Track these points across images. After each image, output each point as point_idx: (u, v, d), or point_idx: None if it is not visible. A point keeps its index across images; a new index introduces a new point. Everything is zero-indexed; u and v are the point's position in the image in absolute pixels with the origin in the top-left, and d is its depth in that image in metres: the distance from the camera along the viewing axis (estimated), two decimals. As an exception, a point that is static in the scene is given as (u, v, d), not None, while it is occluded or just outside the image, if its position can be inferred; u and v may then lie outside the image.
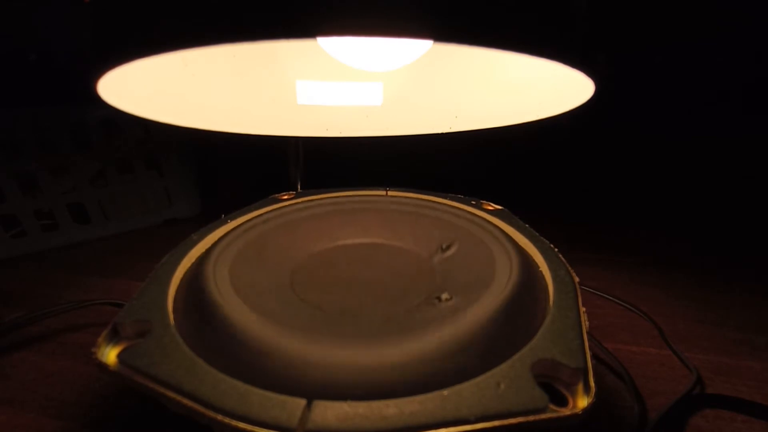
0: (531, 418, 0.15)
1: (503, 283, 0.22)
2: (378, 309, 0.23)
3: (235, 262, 0.25)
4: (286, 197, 0.34)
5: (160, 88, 0.30)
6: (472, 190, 0.34)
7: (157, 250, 0.26)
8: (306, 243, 0.29)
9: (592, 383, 0.16)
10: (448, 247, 0.28)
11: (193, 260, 0.25)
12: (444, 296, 0.23)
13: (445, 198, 0.33)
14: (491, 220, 0.30)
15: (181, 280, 0.23)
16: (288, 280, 0.26)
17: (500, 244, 0.26)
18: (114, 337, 0.19)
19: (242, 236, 0.27)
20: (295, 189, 0.39)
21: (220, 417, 0.15)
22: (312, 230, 0.30)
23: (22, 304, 0.38)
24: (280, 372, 0.17)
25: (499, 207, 0.32)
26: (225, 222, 0.29)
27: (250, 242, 0.27)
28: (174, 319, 0.20)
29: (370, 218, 0.31)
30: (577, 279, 0.22)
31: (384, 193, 0.34)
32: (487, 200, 0.32)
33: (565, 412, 0.15)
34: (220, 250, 0.25)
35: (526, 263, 0.24)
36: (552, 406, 0.15)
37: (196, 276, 0.23)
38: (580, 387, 0.16)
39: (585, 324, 0.19)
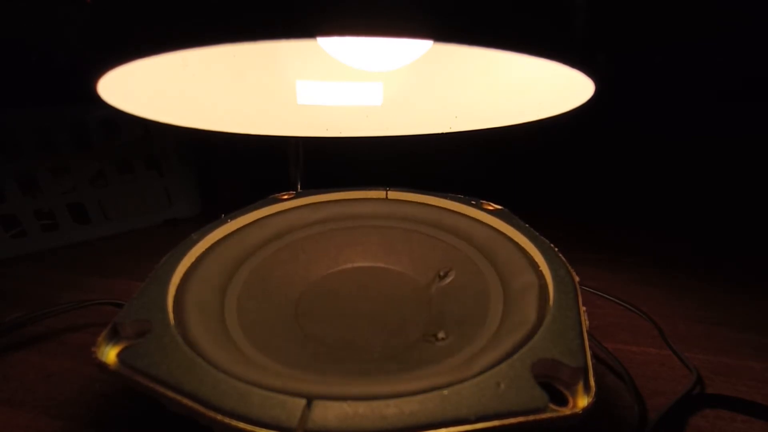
0: (531, 417, 0.15)
1: (494, 324, 0.22)
2: (377, 342, 0.24)
3: (241, 297, 0.25)
4: (286, 197, 0.34)
5: (160, 88, 0.30)
6: (472, 190, 0.34)
7: (157, 250, 0.26)
8: (307, 269, 0.30)
9: (592, 383, 0.16)
10: (446, 275, 0.28)
11: (193, 260, 0.25)
12: (440, 335, 0.24)
13: (445, 198, 0.33)
14: (491, 220, 0.30)
15: (181, 280, 0.23)
16: (293, 312, 0.26)
17: (495, 272, 0.26)
18: (114, 337, 0.19)
19: (246, 265, 0.28)
20: (295, 189, 0.39)
21: (220, 417, 0.15)
22: (313, 253, 0.30)
23: (22, 304, 0.38)
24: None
25: (499, 207, 0.32)
26: (225, 222, 0.29)
27: (254, 271, 0.27)
28: (174, 319, 0.20)
29: (370, 238, 0.31)
30: (577, 279, 0.22)
31: (384, 193, 0.34)
32: (487, 200, 0.32)
33: (565, 411, 0.15)
34: (227, 278, 0.26)
35: (519, 292, 0.24)
36: (552, 406, 0.15)
37: (206, 303, 0.23)
38: (580, 387, 0.16)
39: (585, 324, 0.19)
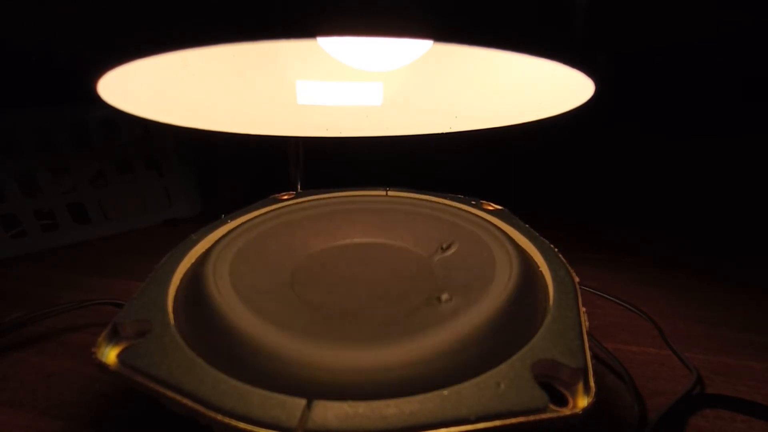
0: (531, 417, 0.15)
1: (503, 283, 0.22)
2: (378, 310, 0.23)
3: (234, 262, 0.25)
4: (286, 197, 0.34)
5: (160, 88, 0.30)
6: (472, 190, 0.34)
7: (157, 250, 0.26)
8: (306, 243, 0.29)
9: (592, 383, 0.16)
10: (448, 247, 0.28)
11: (193, 260, 0.25)
12: (444, 297, 0.23)
13: (445, 198, 0.33)
14: (491, 220, 0.30)
15: (181, 280, 0.23)
16: (288, 279, 0.25)
17: (500, 243, 0.26)
18: (114, 337, 0.19)
19: (242, 236, 0.27)
20: (295, 189, 0.39)
21: (220, 417, 0.15)
22: (312, 230, 0.30)
23: (22, 304, 0.38)
24: (280, 373, 0.17)
25: (499, 207, 0.32)
26: (225, 222, 0.29)
27: (250, 242, 0.27)
28: (174, 319, 0.20)
29: (370, 218, 0.31)
30: (577, 279, 0.22)
31: (384, 193, 0.34)
32: (487, 200, 0.32)
33: (565, 412, 0.15)
34: (220, 250, 0.25)
35: (526, 263, 0.24)
36: (552, 406, 0.15)
37: (196, 276, 0.23)
38: (580, 387, 0.16)
39: (585, 324, 0.19)
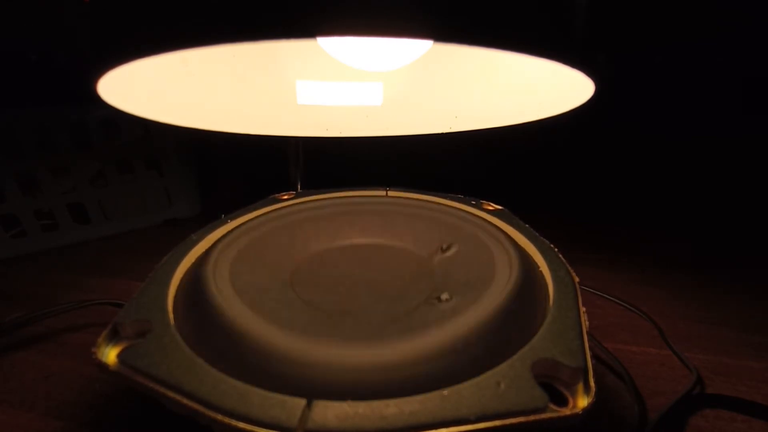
0: (531, 417, 0.15)
1: (503, 283, 0.22)
2: (378, 309, 0.23)
3: (235, 262, 0.25)
4: (286, 197, 0.34)
5: (160, 88, 0.30)
6: (472, 190, 0.34)
7: (157, 250, 0.26)
8: (306, 243, 0.29)
9: (592, 383, 0.16)
10: (448, 248, 0.28)
11: (193, 260, 0.25)
12: (444, 296, 0.23)
13: (445, 198, 0.33)
14: (491, 220, 0.30)
15: (181, 280, 0.23)
16: (288, 279, 0.26)
17: (500, 244, 0.26)
18: (114, 337, 0.19)
19: (242, 237, 0.27)
20: (295, 189, 0.39)
21: (220, 417, 0.15)
22: (312, 231, 0.30)
23: (22, 304, 0.38)
24: (280, 371, 0.17)
25: (499, 207, 0.32)
26: (225, 222, 0.29)
27: (250, 243, 0.27)
28: (174, 319, 0.20)
29: (370, 219, 0.31)
30: (577, 279, 0.22)
31: (384, 193, 0.34)
32: (487, 200, 0.32)
33: (565, 412, 0.15)
34: (220, 250, 0.25)
35: (526, 263, 0.24)
36: (552, 406, 0.15)
37: (196, 276, 0.23)
38: (580, 387, 0.16)
39: (585, 324, 0.19)
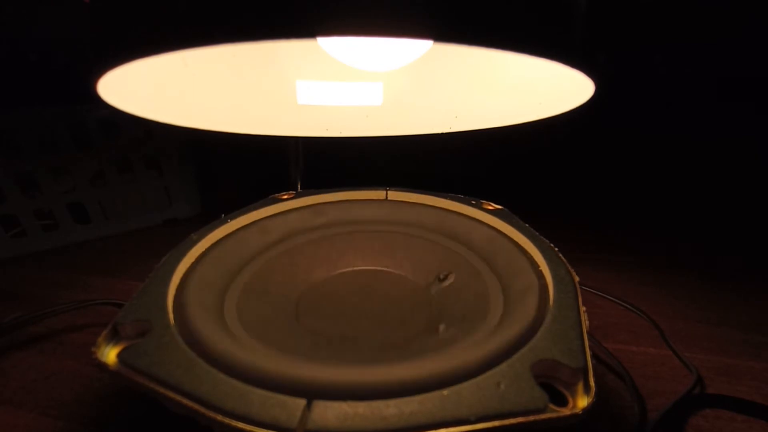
0: (531, 418, 0.15)
1: (495, 320, 0.22)
2: (379, 337, 0.24)
3: (241, 297, 0.25)
4: (286, 197, 0.34)
5: (160, 88, 0.30)
6: (472, 190, 0.34)
7: (157, 250, 0.26)
8: (308, 272, 0.30)
9: (592, 383, 0.16)
10: (446, 278, 0.28)
11: (193, 260, 0.25)
12: (441, 328, 0.24)
13: (445, 198, 0.33)
14: (491, 220, 0.30)
15: (181, 280, 0.23)
16: (293, 310, 0.26)
17: (494, 275, 0.26)
18: (114, 337, 0.19)
19: (247, 268, 0.28)
20: (295, 189, 0.39)
21: (220, 417, 0.15)
22: (314, 257, 0.30)
23: (22, 304, 0.38)
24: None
25: (499, 207, 0.32)
26: (225, 222, 0.29)
27: (255, 275, 0.27)
28: (174, 319, 0.20)
29: (371, 243, 0.32)
30: (577, 279, 0.22)
31: (384, 193, 0.34)
32: (487, 200, 0.32)
33: (565, 412, 0.15)
34: (224, 278, 0.26)
35: (518, 292, 0.24)
36: (552, 406, 0.15)
37: (206, 303, 0.23)
38: (580, 387, 0.16)
39: (585, 324, 0.19)
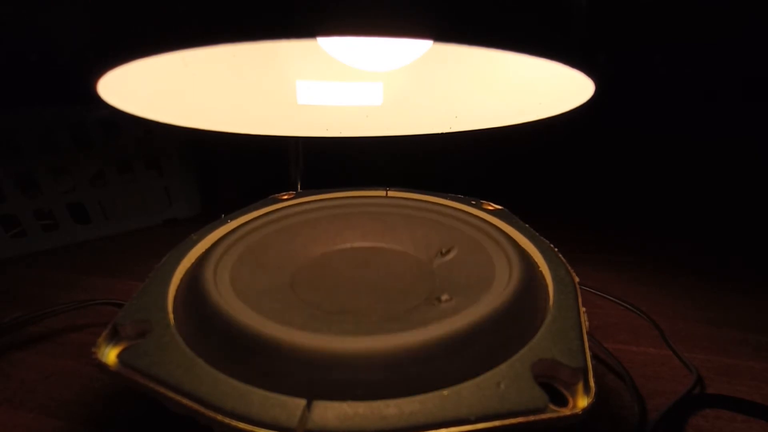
0: (531, 418, 0.15)
1: (503, 285, 0.22)
2: (378, 308, 0.23)
3: (235, 266, 0.25)
4: (286, 197, 0.34)
5: (160, 88, 0.30)
6: (472, 190, 0.34)
7: (157, 250, 0.26)
8: (306, 247, 0.29)
9: (592, 383, 0.16)
10: (448, 252, 0.28)
11: (193, 260, 0.25)
12: (444, 297, 0.23)
13: (445, 198, 0.33)
14: (491, 220, 0.30)
15: (181, 280, 0.23)
16: (288, 281, 0.26)
17: (500, 247, 0.26)
18: (114, 337, 0.19)
19: (242, 240, 0.27)
20: (295, 189, 0.39)
21: (220, 417, 0.15)
22: (312, 234, 0.30)
23: (22, 304, 0.38)
24: (279, 365, 0.17)
25: (499, 207, 0.32)
26: (225, 222, 0.29)
27: (250, 246, 0.27)
28: (174, 319, 0.20)
29: (370, 222, 0.31)
30: (577, 279, 0.22)
31: (384, 193, 0.34)
32: (487, 200, 0.32)
33: (565, 412, 0.15)
34: (220, 253, 0.25)
35: (526, 266, 0.24)
36: (552, 406, 0.15)
37: (196, 277, 0.23)
38: (580, 387, 0.16)
39: (585, 324, 0.19)
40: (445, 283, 0.25)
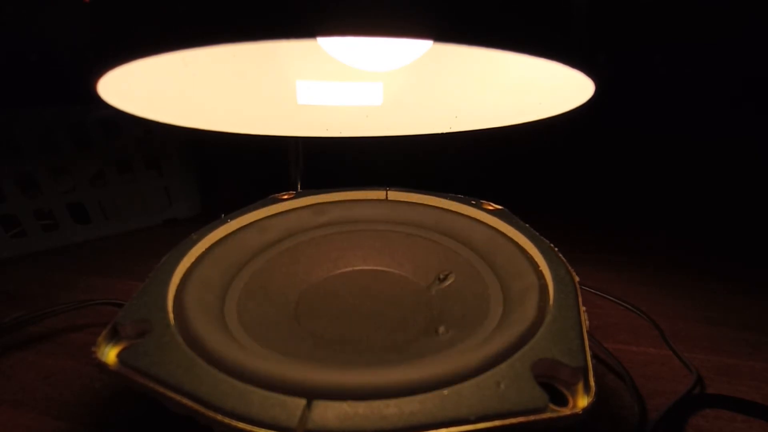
0: (531, 417, 0.15)
1: (495, 320, 0.22)
2: (378, 338, 0.24)
3: (241, 297, 0.25)
4: (286, 197, 0.34)
5: (160, 88, 0.30)
6: (472, 190, 0.34)
7: (157, 250, 0.26)
8: (308, 271, 0.30)
9: (592, 383, 0.16)
10: (446, 278, 0.28)
11: (193, 260, 0.25)
12: (440, 329, 0.24)
13: (445, 198, 0.33)
14: (491, 220, 0.30)
15: (181, 280, 0.23)
16: (293, 311, 0.26)
17: (496, 276, 0.26)
18: (114, 337, 0.19)
19: (247, 267, 0.27)
20: (295, 189, 0.39)
21: (220, 417, 0.15)
22: (314, 257, 0.30)
23: (22, 304, 0.38)
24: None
25: (499, 207, 0.32)
26: (225, 222, 0.29)
27: (255, 274, 0.27)
28: (174, 319, 0.20)
29: (371, 242, 0.31)
30: (577, 279, 0.22)
31: (384, 193, 0.34)
32: (487, 200, 0.32)
33: (565, 411, 0.15)
34: (225, 278, 0.26)
35: (519, 291, 0.24)
36: (552, 406, 0.15)
37: (206, 303, 0.23)
38: (581, 387, 0.16)
39: (585, 324, 0.19)
40: (443, 314, 0.26)
